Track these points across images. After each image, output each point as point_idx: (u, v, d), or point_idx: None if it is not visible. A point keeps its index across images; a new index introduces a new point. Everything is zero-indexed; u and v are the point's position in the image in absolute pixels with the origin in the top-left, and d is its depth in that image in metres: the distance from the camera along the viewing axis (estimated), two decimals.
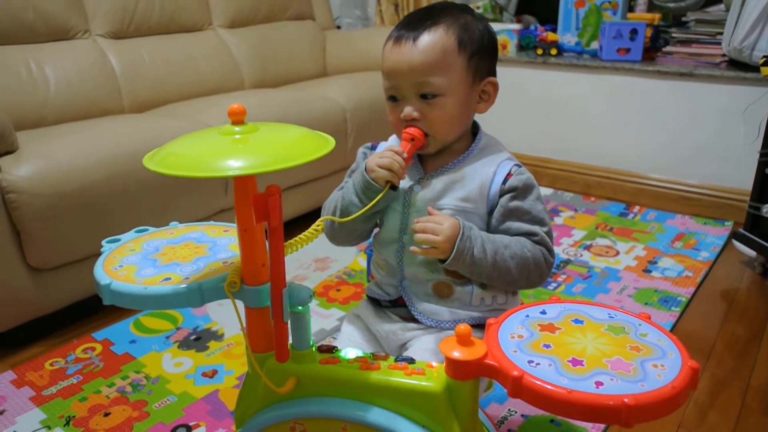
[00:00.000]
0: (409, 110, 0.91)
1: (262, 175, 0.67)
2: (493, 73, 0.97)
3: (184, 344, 1.60)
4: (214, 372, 1.48)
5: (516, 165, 0.96)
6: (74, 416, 1.34)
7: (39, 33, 2.05)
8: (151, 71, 2.26)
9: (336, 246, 1.06)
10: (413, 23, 0.92)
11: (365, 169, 0.92)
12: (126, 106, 2.19)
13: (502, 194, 0.93)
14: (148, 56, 2.27)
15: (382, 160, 0.90)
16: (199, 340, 1.62)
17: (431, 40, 0.89)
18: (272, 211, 0.63)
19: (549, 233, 0.94)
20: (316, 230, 0.80)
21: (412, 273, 0.97)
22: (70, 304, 1.69)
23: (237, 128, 0.68)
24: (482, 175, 0.94)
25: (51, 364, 1.53)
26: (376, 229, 1.04)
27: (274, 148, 0.66)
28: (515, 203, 0.93)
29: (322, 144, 0.68)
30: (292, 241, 0.78)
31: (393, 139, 1.04)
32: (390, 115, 0.96)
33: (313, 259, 2.05)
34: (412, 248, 0.91)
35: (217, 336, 1.63)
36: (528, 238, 0.93)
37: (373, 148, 1.05)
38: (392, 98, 0.94)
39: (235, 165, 0.62)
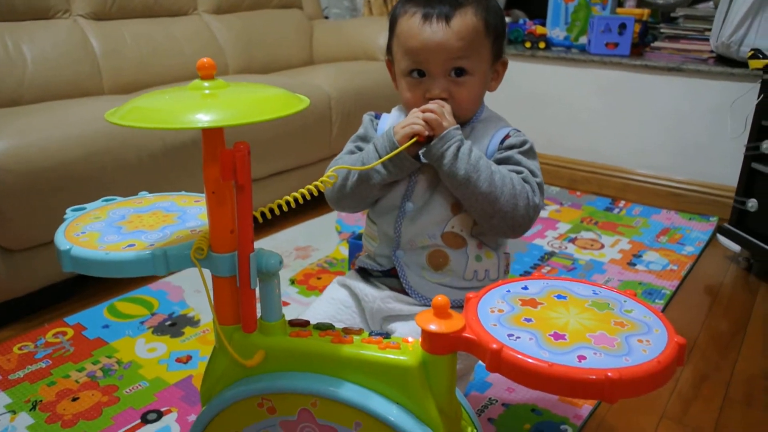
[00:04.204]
0: (437, 90, 0.92)
1: (235, 139, 0.64)
2: (503, 52, 0.99)
3: (159, 329, 1.55)
4: (189, 358, 1.44)
5: (515, 129, 0.97)
6: (41, 401, 1.29)
7: (18, 11, 1.99)
8: (133, 53, 2.21)
9: (338, 211, 1.03)
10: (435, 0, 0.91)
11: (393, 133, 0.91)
12: (106, 88, 2.14)
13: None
14: (130, 38, 2.22)
15: (410, 119, 0.89)
16: (174, 325, 1.57)
17: (464, 22, 0.90)
18: (240, 167, 0.59)
19: (540, 185, 0.94)
20: (325, 182, 0.78)
21: (408, 240, 0.96)
22: (42, 287, 1.63)
23: (206, 83, 0.64)
24: (482, 139, 0.96)
25: (20, 348, 1.48)
26: None
27: (245, 102, 0.62)
28: (509, 152, 0.94)
29: (295, 102, 0.65)
30: (299, 191, 0.75)
31: (396, 111, 1.04)
32: (408, 91, 0.95)
33: (294, 248, 2.02)
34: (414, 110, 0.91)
35: (193, 322, 1.59)
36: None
37: (377, 117, 1.05)
38: (417, 73, 0.93)
39: (204, 118, 0.58)
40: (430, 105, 0.89)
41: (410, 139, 0.88)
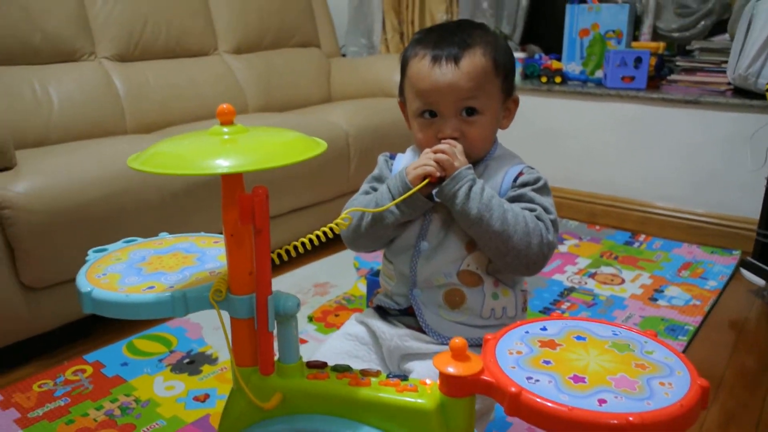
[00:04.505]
0: (449, 131, 0.93)
1: (253, 180, 0.65)
2: (513, 90, 1.00)
3: (177, 367, 1.55)
4: (206, 396, 1.44)
5: (528, 167, 0.98)
6: None
7: (44, 54, 2.06)
8: (155, 94, 2.26)
9: (354, 251, 1.04)
10: (444, 41, 0.93)
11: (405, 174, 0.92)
12: (129, 128, 2.18)
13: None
14: (153, 79, 2.28)
15: (422, 161, 0.90)
16: (192, 363, 1.57)
17: (473, 63, 0.92)
18: (258, 211, 0.60)
19: (554, 222, 0.94)
20: (340, 224, 0.79)
21: (424, 279, 0.96)
22: (62, 325, 1.65)
23: (226, 129, 0.66)
24: (496, 177, 0.96)
25: (39, 386, 1.48)
26: None
27: (264, 147, 0.63)
28: (522, 190, 0.94)
29: (313, 146, 0.66)
30: (314, 233, 0.76)
31: (410, 152, 1.05)
32: (420, 132, 0.97)
33: (312, 284, 2.02)
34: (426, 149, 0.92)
35: (211, 360, 1.59)
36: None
37: (392, 157, 1.06)
38: (429, 114, 0.95)
39: (223, 164, 0.60)
40: (442, 146, 0.90)
41: (422, 180, 0.89)
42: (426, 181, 0.89)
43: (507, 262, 0.91)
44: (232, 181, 0.66)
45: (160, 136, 2.04)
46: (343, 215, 0.82)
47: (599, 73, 2.64)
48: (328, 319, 1.79)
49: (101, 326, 1.76)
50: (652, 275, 2.06)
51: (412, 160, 0.98)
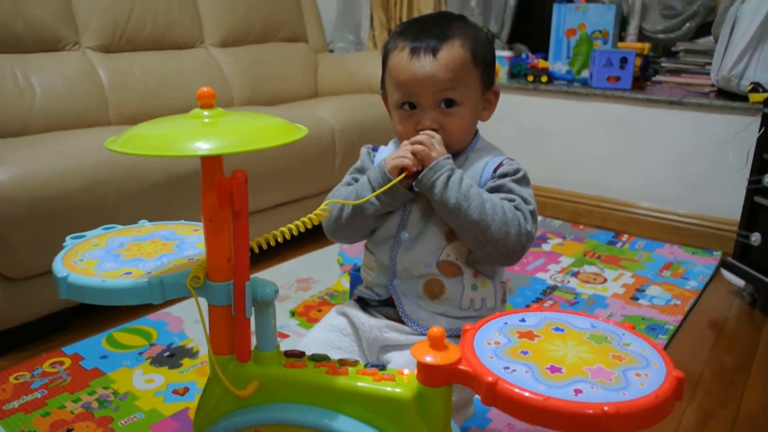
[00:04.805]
0: (428, 122, 0.94)
1: (237, 167, 0.64)
2: (494, 82, 1.01)
3: (157, 360, 1.54)
4: (186, 390, 1.42)
5: (508, 158, 0.98)
6: (35, 431, 1.27)
7: (27, 43, 2.03)
8: (140, 85, 2.24)
9: (335, 242, 1.05)
10: (424, 33, 0.94)
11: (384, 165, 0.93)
12: (113, 119, 2.16)
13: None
14: (137, 70, 2.25)
15: (400, 152, 0.91)
16: (172, 356, 1.56)
17: (451, 54, 0.92)
18: (237, 194, 0.60)
19: (533, 213, 0.94)
20: (318, 215, 0.78)
21: (404, 269, 0.96)
22: (41, 316, 1.63)
23: (206, 112, 0.65)
24: (475, 168, 0.97)
25: (16, 378, 1.46)
26: None
27: (244, 131, 0.63)
28: (502, 180, 0.95)
29: (293, 131, 0.66)
30: (294, 223, 0.75)
31: (392, 144, 1.06)
32: (400, 124, 0.97)
33: (295, 279, 2.01)
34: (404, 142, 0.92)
35: (192, 353, 1.58)
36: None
37: (375, 149, 1.07)
38: (408, 106, 0.95)
39: (203, 146, 0.59)
40: (419, 136, 0.91)
41: (401, 172, 0.90)
42: (404, 174, 0.89)
43: (486, 252, 0.92)
44: (211, 164, 0.66)
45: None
46: (322, 206, 0.82)
47: (585, 73, 2.65)
48: (310, 314, 1.78)
49: (81, 318, 1.74)
50: (634, 275, 2.08)
51: (393, 152, 0.99)
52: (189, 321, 1.72)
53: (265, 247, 0.74)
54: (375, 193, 0.90)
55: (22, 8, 1.99)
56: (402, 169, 0.90)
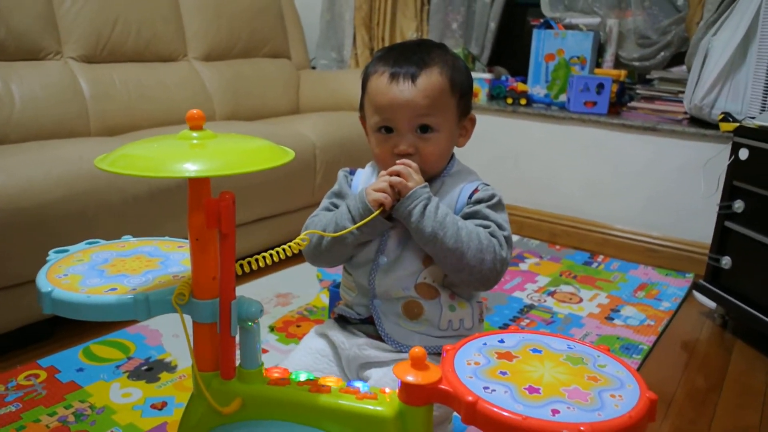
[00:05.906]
0: (404, 146, 0.95)
1: (220, 186, 0.66)
2: (470, 109, 1.03)
3: (135, 374, 1.53)
4: (164, 404, 1.42)
5: (483, 183, 1.00)
6: None
7: (8, 51, 2.02)
8: (121, 96, 2.23)
9: (313, 266, 1.06)
10: (404, 59, 0.95)
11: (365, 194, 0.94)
12: (93, 130, 2.15)
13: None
14: (119, 82, 2.25)
15: (379, 185, 0.93)
16: (150, 370, 1.55)
17: (430, 81, 0.94)
18: (225, 216, 0.61)
19: (508, 239, 0.96)
20: (298, 244, 0.79)
21: (383, 291, 0.98)
22: (17, 328, 1.61)
23: (195, 134, 0.66)
24: (451, 195, 0.98)
25: None
26: None
27: (232, 153, 0.64)
28: (477, 207, 0.96)
29: (281, 154, 0.67)
30: (275, 250, 0.76)
31: (369, 167, 1.07)
32: (377, 147, 0.99)
33: (275, 294, 2.01)
34: (381, 172, 0.94)
35: (170, 367, 1.57)
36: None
37: (352, 173, 1.08)
38: (385, 130, 0.97)
39: (191, 168, 0.60)
40: (396, 167, 0.92)
41: (379, 206, 0.91)
42: (381, 208, 0.91)
43: (462, 278, 0.94)
44: (199, 185, 0.67)
45: (125, 139, 2.02)
46: (301, 236, 0.83)
47: (563, 97, 2.71)
48: (289, 330, 1.79)
49: (57, 331, 1.72)
50: (609, 295, 2.12)
51: (370, 176, 1.02)
52: (167, 335, 1.71)
53: (248, 270, 0.75)
54: (355, 226, 0.92)
55: (5, 15, 1.98)
56: (380, 204, 0.91)
